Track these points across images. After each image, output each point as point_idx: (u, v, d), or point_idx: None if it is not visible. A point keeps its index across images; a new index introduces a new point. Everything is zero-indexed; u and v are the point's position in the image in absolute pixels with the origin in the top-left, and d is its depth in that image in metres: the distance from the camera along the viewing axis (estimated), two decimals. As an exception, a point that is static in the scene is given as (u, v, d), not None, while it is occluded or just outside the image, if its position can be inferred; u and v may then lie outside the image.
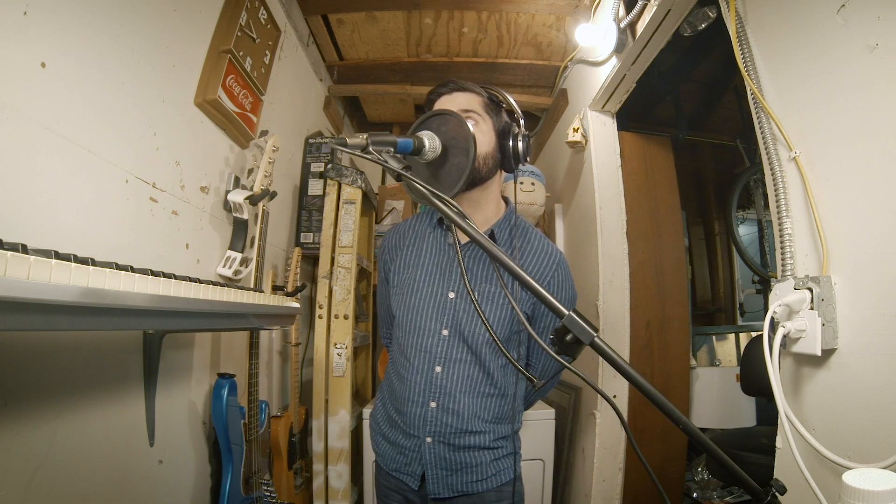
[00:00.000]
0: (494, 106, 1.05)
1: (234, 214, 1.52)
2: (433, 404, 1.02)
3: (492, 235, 1.05)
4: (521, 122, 1.04)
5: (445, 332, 1.03)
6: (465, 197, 1.03)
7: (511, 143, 1.01)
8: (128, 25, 1.09)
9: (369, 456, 1.95)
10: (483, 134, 1.00)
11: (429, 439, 1.02)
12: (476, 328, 1.02)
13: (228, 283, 1.43)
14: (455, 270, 1.05)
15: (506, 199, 1.12)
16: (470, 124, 0.97)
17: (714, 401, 2.44)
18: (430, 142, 0.82)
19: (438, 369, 1.03)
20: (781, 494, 0.59)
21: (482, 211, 1.06)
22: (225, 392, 1.35)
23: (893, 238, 0.78)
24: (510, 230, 1.06)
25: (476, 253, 1.05)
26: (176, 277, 0.82)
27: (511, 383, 1.06)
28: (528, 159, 1.04)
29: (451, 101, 1.02)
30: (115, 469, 1.07)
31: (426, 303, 1.05)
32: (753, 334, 2.78)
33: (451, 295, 1.04)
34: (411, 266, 1.10)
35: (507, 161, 1.03)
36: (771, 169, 1.01)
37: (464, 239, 1.05)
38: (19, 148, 0.83)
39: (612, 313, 1.94)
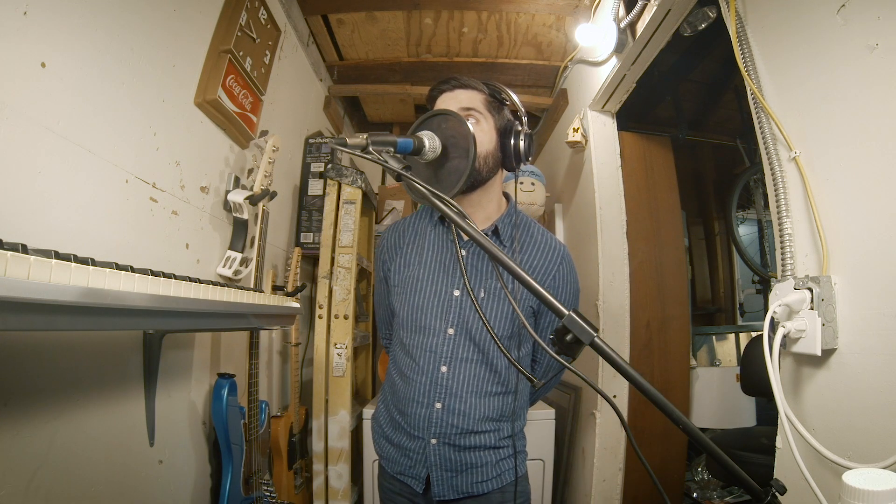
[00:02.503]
0: (497, 103, 1.03)
1: (234, 214, 1.52)
2: (438, 405, 1.00)
3: (495, 231, 1.04)
4: (524, 119, 1.02)
5: (451, 331, 1.01)
6: (465, 198, 1.02)
7: (513, 141, 1.00)
8: (128, 25, 1.09)
9: (369, 456, 1.95)
10: (484, 133, 0.99)
11: (433, 441, 1.00)
12: (483, 325, 1.00)
13: (228, 283, 1.43)
14: (458, 267, 1.02)
15: (507, 196, 1.10)
16: (471, 123, 0.97)
17: (714, 401, 2.44)
18: (430, 142, 0.82)
19: (444, 369, 1.00)
20: (781, 494, 0.59)
21: (483, 210, 1.05)
22: (225, 392, 1.34)
23: (893, 238, 0.78)
24: (513, 226, 1.05)
25: (479, 249, 1.02)
26: (176, 277, 0.82)
27: (518, 380, 1.04)
28: (529, 158, 1.02)
29: (453, 99, 1.00)
30: (115, 469, 1.07)
31: (430, 301, 1.03)
32: (753, 334, 2.78)
33: (456, 293, 1.01)
34: (413, 264, 1.07)
35: (507, 160, 1.02)
36: (771, 169, 1.01)
37: (466, 236, 1.04)
38: (19, 148, 0.83)
39: (612, 313, 1.94)
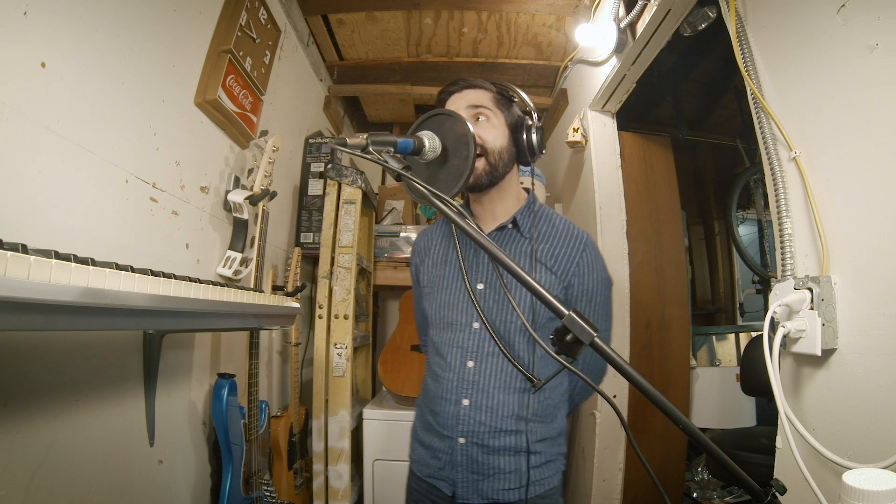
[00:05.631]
0: (505, 100, 1.04)
1: (234, 214, 1.52)
2: (466, 402, 0.98)
3: (514, 223, 1.04)
4: (534, 114, 1.03)
5: (476, 325, 1.00)
6: (485, 195, 1.04)
7: (525, 135, 1.01)
8: (128, 25, 1.09)
9: (369, 456, 1.95)
10: (496, 129, 1.00)
11: (461, 440, 0.98)
12: (507, 317, 0.98)
13: (228, 283, 1.43)
14: (481, 260, 1.03)
15: (526, 189, 1.10)
16: (481, 120, 1.00)
17: (714, 401, 2.44)
18: (431, 142, 0.82)
19: (471, 364, 0.99)
20: (781, 494, 0.59)
21: (502, 204, 1.05)
22: (225, 392, 1.34)
23: (893, 238, 0.78)
24: (533, 217, 1.04)
25: (501, 242, 1.04)
26: (176, 277, 0.82)
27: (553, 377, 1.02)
28: (543, 151, 1.03)
29: (462, 99, 1.01)
30: (115, 469, 1.07)
31: (455, 297, 1.03)
32: (753, 334, 2.78)
33: (480, 286, 1.01)
34: (440, 263, 1.09)
35: (521, 154, 1.02)
36: (771, 169, 1.01)
37: (488, 228, 1.05)
38: (19, 148, 0.83)
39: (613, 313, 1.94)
